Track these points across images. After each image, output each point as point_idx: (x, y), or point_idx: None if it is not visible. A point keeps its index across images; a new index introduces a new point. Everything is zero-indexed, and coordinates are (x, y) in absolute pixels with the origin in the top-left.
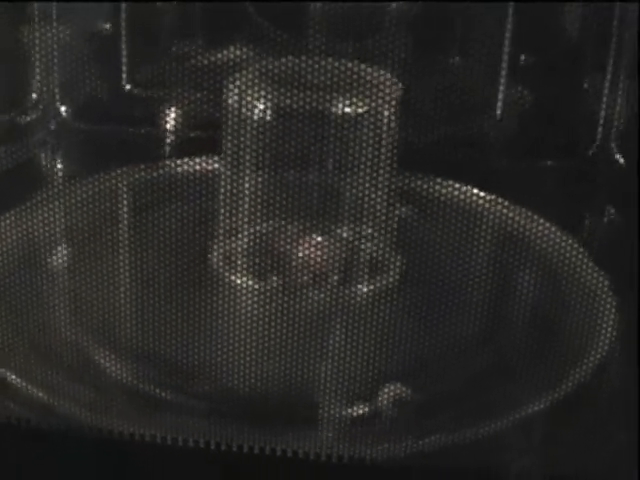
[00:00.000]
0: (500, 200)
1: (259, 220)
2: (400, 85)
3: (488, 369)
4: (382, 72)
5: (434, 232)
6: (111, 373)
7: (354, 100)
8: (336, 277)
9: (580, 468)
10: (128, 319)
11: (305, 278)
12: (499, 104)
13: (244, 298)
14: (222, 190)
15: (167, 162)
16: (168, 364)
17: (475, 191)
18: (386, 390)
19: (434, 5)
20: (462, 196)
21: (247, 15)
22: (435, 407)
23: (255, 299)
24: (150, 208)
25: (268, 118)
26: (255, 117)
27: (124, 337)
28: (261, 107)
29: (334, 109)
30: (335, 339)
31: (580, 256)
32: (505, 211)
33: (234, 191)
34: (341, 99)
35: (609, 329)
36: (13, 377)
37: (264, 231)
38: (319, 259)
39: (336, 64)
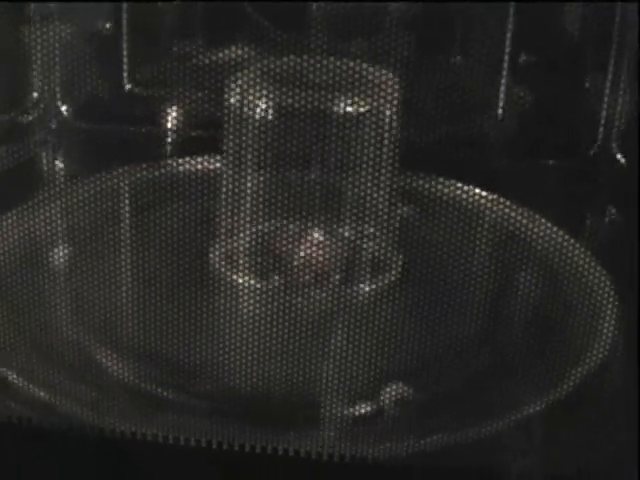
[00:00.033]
0: (501, 200)
1: (260, 219)
2: (401, 84)
3: (489, 369)
4: (383, 71)
5: (435, 231)
6: (113, 372)
7: (355, 99)
8: (337, 276)
9: (581, 468)
10: (130, 318)
11: (306, 277)
12: (500, 104)
13: (246, 297)
14: (223, 189)
15: (168, 161)
16: (169, 363)
17: (476, 191)
18: (388, 390)
19: (435, 5)
20: (463, 195)
21: (248, 15)
22: (437, 407)
23: (257, 298)
24: (151, 207)
25: (269, 117)
26: (256, 116)
27: (126, 336)
28: (262, 106)
29: (335, 108)
30: (336, 338)
31: (581, 256)
32: (506, 211)
33: (235, 190)
34: (342, 98)
35: (610, 329)
36: (14, 376)
37: (265, 230)
38: (320, 258)
39: (337, 63)
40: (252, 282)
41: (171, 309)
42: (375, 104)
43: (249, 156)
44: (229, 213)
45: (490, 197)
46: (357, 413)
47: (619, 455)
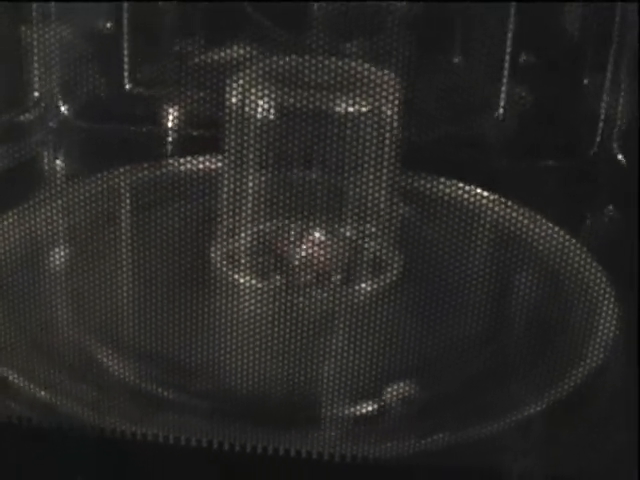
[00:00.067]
0: (501, 200)
1: (261, 219)
2: (402, 85)
3: (490, 368)
4: (384, 71)
5: (436, 231)
6: (113, 372)
7: (356, 99)
8: (338, 276)
9: (582, 468)
10: (131, 318)
11: (307, 277)
12: (501, 104)
13: (247, 297)
14: (224, 189)
15: (168, 161)
16: (170, 363)
17: (476, 191)
18: (391, 389)
19: (436, 5)
20: (464, 195)
21: (248, 14)
22: (437, 407)
23: (257, 298)
24: (152, 207)
25: (270, 117)
26: (257, 116)
27: (127, 336)
28: (263, 106)
29: (336, 108)
30: (337, 338)
31: (581, 256)
32: (506, 211)
33: (236, 190)
34: (343, 98)
35: (610, 329)
36: (14, 376)
37: (266, 230)
38: (321, 258)
39: (339, 63)
40: (253, 282)
41: (172, 309)
42: (376, 104)
43: (250, 156)
44: (230, 213)
45: (490, 197)
46: (358, 413)
47: (620, 455)
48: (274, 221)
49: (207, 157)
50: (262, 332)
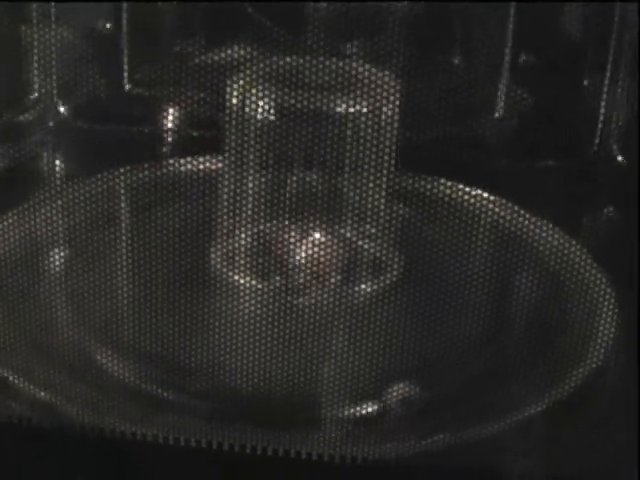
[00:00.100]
0: (501, 200)
1: (260, 220)
2: (402, 85)
3: (490, 369)
4: (385, 72)
5: (435, 232)
6: (113, 373)
7: (356, 100)
8: (338, 277)
9: (582, 468)
10: (130, 319)
11: (307, 278)
12: (500, 104)
13: (246, 298)
14: (223, 190)
15: (167, 162)
16: (170, 364)
17: (476, 191)
18: (391, 390)
19: (436, 5)
20: (463, 196)
21: (249, 15)
22: (438, 407)
23: (257, 299)
24: (151, 208)
25: (270, 118)
26: (257, 117)
27: (126, 337)
28: (263, 107)
29: (336, 109)
30: (337, 339)
31: (581, 256)
32: (506, 211)
33: (235, 191)
34: (343, 99)
35: (610, 329)
36: (15, 377)
37: (266, 231)
38: (321, 259)
39: (339, 64)
40: (252, 282)
41: (171, 310)
42: (376, 105)
43: (250, 156)
44: (229, 213)
45: (490, 198)
46: (358, 414)
47: (620, 456)
48: (274, 222)
49: (207, 158)
50: (261, 333)
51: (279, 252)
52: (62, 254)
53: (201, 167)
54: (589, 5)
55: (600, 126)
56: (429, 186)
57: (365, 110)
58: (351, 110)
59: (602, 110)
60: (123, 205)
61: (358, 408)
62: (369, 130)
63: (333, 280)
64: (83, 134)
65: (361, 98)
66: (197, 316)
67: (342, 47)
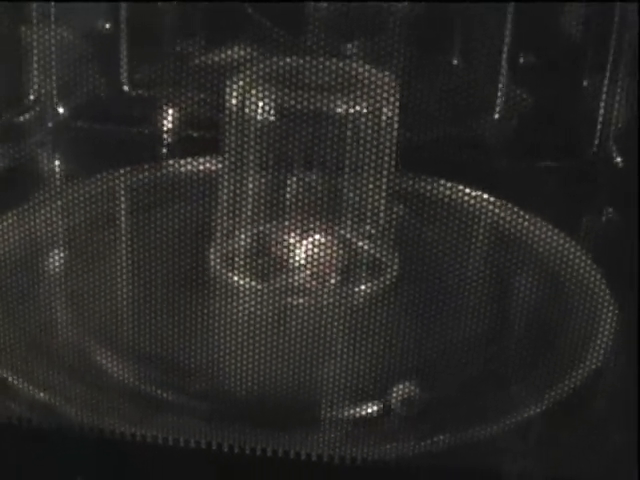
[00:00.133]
0: (500, 201)
1: (260, 220)
2: (401, 86)
3: (490, 370)
4: (384, 72)
5: (435, 233)
6: (113, 374)
7: (356, 100)
8: (337, 278)
9: (581, 470)
10: (129, 320)
11: (306, 279)
12: (499, 104)
13: (246, 299)
14: (223, 190)
15: (166, 162)
16: (169, 365)
17: (475, 192)
18: (391, 391)
19: (435, 6)
20: (463, 197)
21: (248, 15)
22: (437, 408)
23: (256, 300)
24: (150, 209)
25: (270, 118)
26: (257, 117)
27: (126, 338)
28: (263, 107)
29: (336, 109)
30: (336, 340)
31: (580, 257)
32: (505, 212)
33: (235, 191)
34: (343, 99)
35: (609, 330)
36: (14, 377)
37: (265, 231)
38: (320, 259)
39: (339, 64)
40: (251, 283)
41: (170, 311)
42: (376, 105)
43: (249, 157)
44: (228, 214)
45: (489, 198)
46: (358, 415)
47: (619, 457)
48: (273, 222)
49: (206, 158)
50: (261, 334)
51: (278, 253)
52: (61, 255)
53: (201, 168)
54: (589, 5)
55: (600, 126)
56: (429, 187)
57: (365, 111)
58: (351, 111)
59: (602, 110)
60: (122, 206)
61: (358, 409)
62: (369, 131)
63: (333, 281)
64: (82, 134)
65: (361, 99)
66: (196, 317)
67: (342, 47)
